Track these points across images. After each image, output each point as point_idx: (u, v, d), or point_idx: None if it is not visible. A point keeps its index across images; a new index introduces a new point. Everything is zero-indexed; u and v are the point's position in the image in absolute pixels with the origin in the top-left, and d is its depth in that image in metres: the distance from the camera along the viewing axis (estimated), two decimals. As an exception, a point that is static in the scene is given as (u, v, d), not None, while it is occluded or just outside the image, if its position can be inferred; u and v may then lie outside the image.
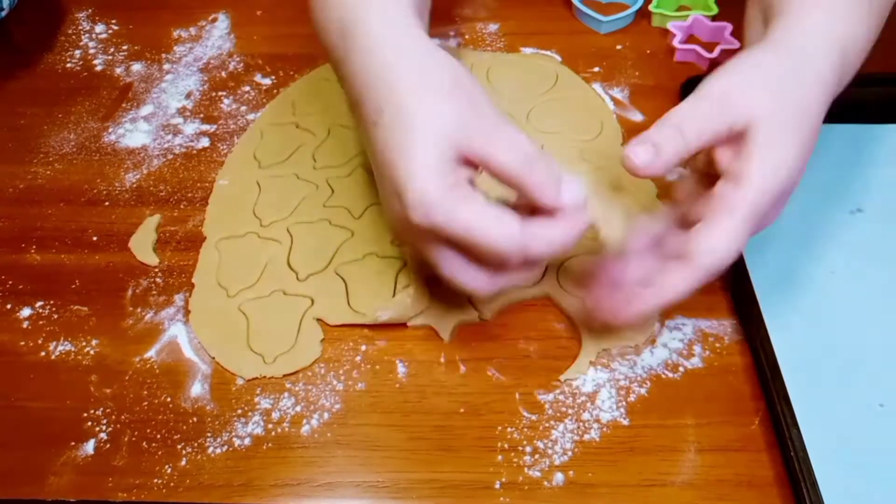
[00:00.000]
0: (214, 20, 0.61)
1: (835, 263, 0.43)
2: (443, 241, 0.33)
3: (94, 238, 0.47)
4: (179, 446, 0.38)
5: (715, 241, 0.33)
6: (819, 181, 0.47)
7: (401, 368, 0.40)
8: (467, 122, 0.32)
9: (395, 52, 0.35)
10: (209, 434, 0.38)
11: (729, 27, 0.56)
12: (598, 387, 0.39)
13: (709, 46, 0.56)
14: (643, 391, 0.39)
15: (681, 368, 0.40)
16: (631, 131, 0.51)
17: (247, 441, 0.38)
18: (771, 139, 0.33)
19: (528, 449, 0.37)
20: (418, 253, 0.35)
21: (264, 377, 0.40)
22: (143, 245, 0.46)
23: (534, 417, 0.38)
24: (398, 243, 0.43)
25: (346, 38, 0.37)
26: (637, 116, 0.52)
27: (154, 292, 0.44)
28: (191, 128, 0.53)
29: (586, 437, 0.38)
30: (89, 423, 0.39)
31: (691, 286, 0.34)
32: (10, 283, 0.45)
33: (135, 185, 0.49)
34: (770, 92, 0.34)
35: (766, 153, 0.33)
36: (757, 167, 0.33)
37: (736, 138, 0.34)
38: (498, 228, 0.31)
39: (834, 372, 0.39)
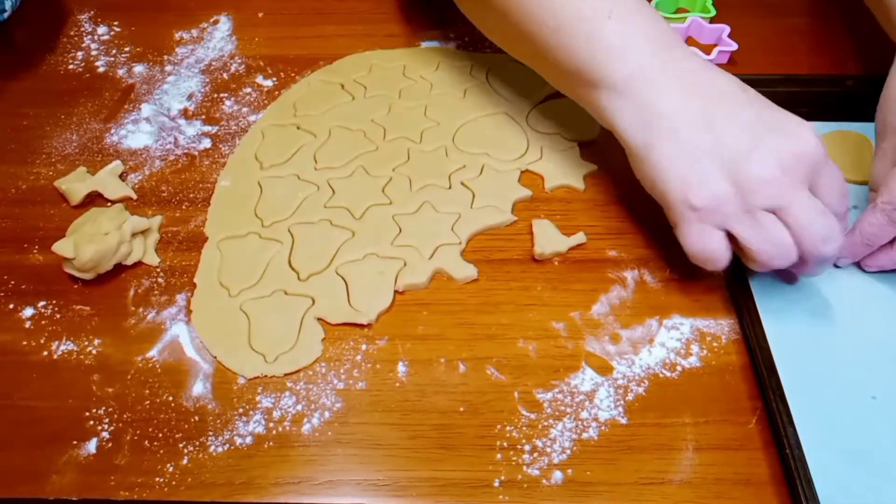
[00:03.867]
0: (216, 22, 0.61)
1: None
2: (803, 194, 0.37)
3: (97, 238, 0.47)
4: (181, 445, 0.38)
5: None
6: None
7: (401, 367, 0.41)
8: None
9: None
10: (211, 433, 0.38)
11: (727, 29, 0.56)
12: (597, 386, 0.40)
13: (707, 49, 0.56)
14: (641, 390, 0.39)
15: (678, 367, 0.40)
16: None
17: (248, 440, 0.38)
18: None
19: (527, 447, 0.38)
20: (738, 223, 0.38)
21: (265, 376, 0.40)
22: (145, 245, 0.46)
23: (533, 416, 0.39)
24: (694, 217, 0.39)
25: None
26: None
27: (156, 292, 0.44)
28: (192, 129, 0.53)
29: (585, 435, 0.38)
30: (91, 423, 0.39)
31: None
32: (13, 282, 0.45)
33: (137, 186, 0.50)
34: None
35: None
36: None
37: None
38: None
39: (830, 370, 0.39)
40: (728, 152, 0.37)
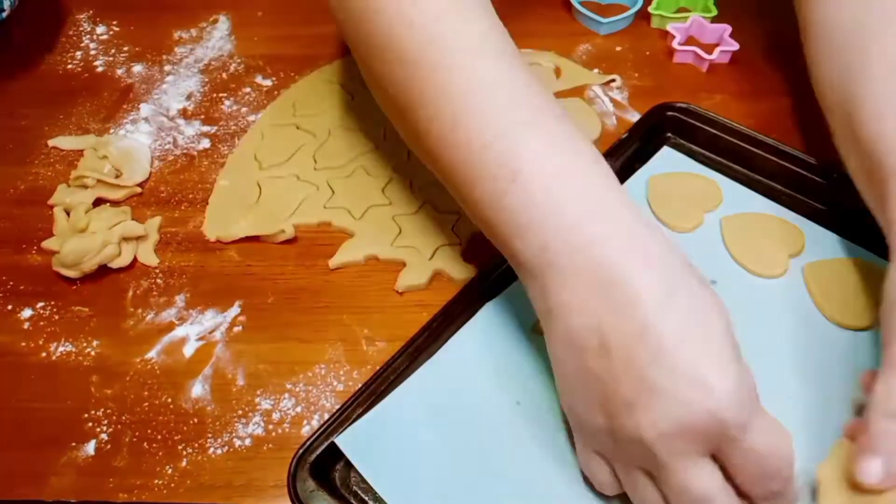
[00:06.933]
0: (215, 21, 0.61)
1: None
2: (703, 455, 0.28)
3: (95, 239, 0.47)
4: (180, 447, 0.38)
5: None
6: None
7: (401, 369, 0.41)
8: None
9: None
10: (210, 435, 0.38)
11: (728, 29, 0.56)
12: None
13: (708, 48, 0.56)
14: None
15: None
16: (630, 133, 0.51)
17: (247, 442, 0.38)
18: None
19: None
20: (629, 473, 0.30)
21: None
22: (144, 246, 0.46)
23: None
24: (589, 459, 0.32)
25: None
26: (635, 118, 0.52)
27: (155, 293, 0.44)
28: (191, 129, 0.53)
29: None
30: (90, 424, 0.39)
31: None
32: (11, 283, 0.45)
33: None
34: None
35: None
36: None
37: None
38: (789, 447, 0.28)
39: None
40: (611, 391, 0.29)
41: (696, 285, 0.29)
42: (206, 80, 0.56)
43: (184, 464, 0.37)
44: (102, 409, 0.39)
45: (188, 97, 0.55)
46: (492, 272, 0.42)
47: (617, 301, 0.28)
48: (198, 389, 0.40)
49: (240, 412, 0.39)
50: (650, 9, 0.59)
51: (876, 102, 0.36)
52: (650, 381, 0.28)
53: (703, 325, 0.28)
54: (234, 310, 0.43)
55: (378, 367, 0.38)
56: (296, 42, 0.59)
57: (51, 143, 0.52)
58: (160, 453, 0.38)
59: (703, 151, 0.49)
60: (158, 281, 0.45)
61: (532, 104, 0.33)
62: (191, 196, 0.49)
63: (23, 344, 0.42)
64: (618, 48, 0.58)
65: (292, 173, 0.50)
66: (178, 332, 0.42)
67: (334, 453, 0.35)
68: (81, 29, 0.61)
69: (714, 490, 0.28)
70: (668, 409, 0.27)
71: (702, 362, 0.27)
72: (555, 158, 0.31)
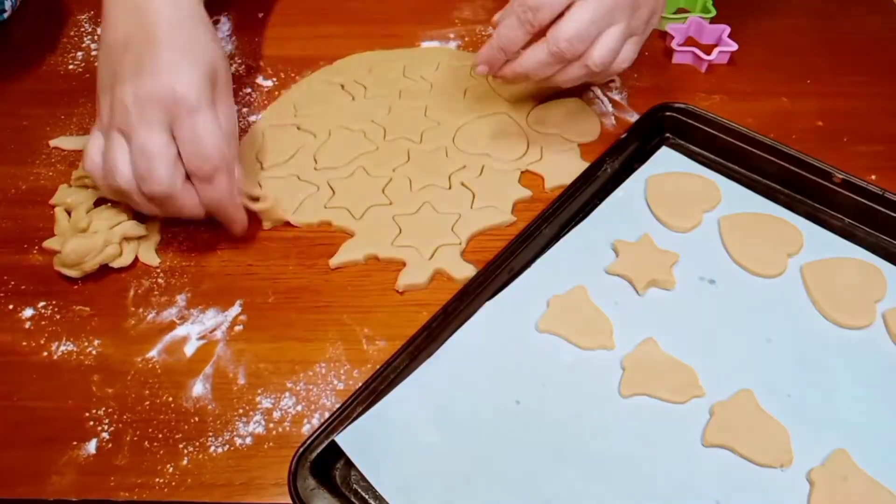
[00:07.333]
0: (216, 22, 0.61)
1: None
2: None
3: (96, 239, 0.47)
4: (181, 446, 0.38)
5: (564, 24, 0.42)
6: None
7: (401, 368, 0.41)
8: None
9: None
10: (210, 433, 0.38)
11: (727, 29, 0.56)
12: (597, 387, 0.39)
13: (707, 49, 0.56)
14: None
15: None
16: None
17: (248, 440, 0.38)
18: None
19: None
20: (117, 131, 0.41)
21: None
22: (145, 246, 0.46)
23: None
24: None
25: None
26: (634, 118, 0.52)
27: (156, 293, 0.44)
28: (192, 129, 0.53)
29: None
30: (91, 423, 0.39)
31: (545, 59, 0.43)
32: (13, 283, 0.45)
33: (136, 187, 0.50)
34: None
35: None
36: None
37: None
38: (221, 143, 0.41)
39: None
40: (116, 75, 0.41)
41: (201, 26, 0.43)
42: (207, 80, 0.56)
43: (185, 462, 0.37)
44: (103, 408, 0.39)
45: (189, 97, 0.55)
46: (492, 272, 0.42)
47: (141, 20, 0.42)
48: (199, 388, 0.40)
49: (240, 411, 0.39)
50: (649, 9, 0.59)
51: None
52: (137, 70, 0.40)
53: (192, 49, 0.41)
54: (235, 309, 0.43)
55: (378, 366, 0.38)
56: (296, 43, 0.59)
57: (52, 143, 0.52)
58: (161, 452, 0.38)
59: (702, 151, 0.49)
60: (160, 280, 0.45)
61: None
62: (191, 196, 0.49)
63: (24, 343, 0.42)
64: (617, 49, 0.58)
65: (292, 173, 0.50)
66: (179, 331, 0.42)
67: (335, 452, 0.36)
68: (82, 29, 0.61)
69: (157, 152, 0.39)
70: (144, 86, 0.40)
71: (181, 62, 0.40)
72: None
